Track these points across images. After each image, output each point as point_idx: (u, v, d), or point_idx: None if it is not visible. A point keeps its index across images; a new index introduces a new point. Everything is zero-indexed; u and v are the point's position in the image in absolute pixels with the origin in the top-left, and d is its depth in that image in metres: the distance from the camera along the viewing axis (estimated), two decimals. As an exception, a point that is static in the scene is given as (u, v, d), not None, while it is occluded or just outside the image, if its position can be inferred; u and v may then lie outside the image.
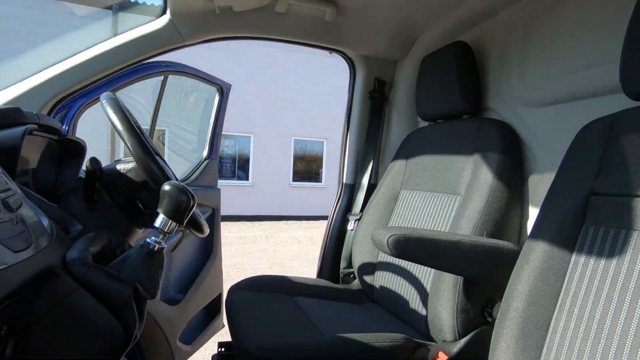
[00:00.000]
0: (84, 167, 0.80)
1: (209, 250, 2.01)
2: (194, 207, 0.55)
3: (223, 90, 2.04)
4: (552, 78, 0.92)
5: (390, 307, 1.15)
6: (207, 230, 0.86)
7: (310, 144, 9.64)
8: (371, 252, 1.27)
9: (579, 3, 0.88)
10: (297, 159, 9.48)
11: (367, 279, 1.26)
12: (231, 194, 8.63)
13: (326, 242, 1.48)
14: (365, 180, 1.42)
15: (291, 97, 9.04)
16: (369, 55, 1.43)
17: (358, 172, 1.47)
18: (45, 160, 0.80)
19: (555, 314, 0.64)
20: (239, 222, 8.34)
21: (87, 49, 1.05)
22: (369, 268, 1.26)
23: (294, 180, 9.29)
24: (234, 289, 1.13)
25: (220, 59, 8.22)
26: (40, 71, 1.05)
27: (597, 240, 0.63)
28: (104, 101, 0.66)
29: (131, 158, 0.71)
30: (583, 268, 0.64)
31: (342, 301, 1.22)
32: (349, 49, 1.40)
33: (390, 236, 0.69)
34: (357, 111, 1.49)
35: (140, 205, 0.73)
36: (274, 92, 8.91)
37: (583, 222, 0.65)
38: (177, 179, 0.98)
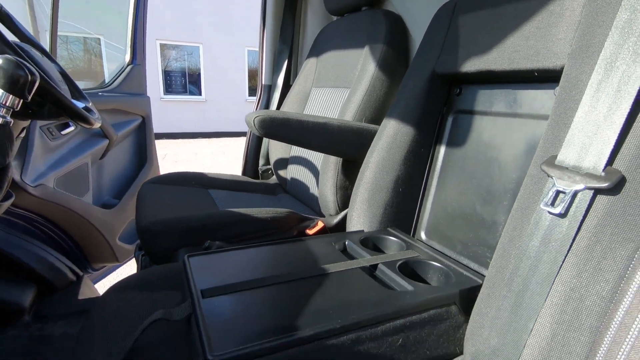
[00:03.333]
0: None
1: (143, 159, 2.03)
2: (36, 82, 0.57)
3: (139, -16, 1.85)
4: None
5: (299, 195, 1.28)
6: (94, 122, 0.87)
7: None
8: (285, 147, 1.35)
9: None
10: (254, 73, 9.02)
11: (281, 172, 1.36)
12: (184, 110, 8.28)
13: (248, 142, 1.54)
14: (281, 81, 1.44)
15: (242, 3, 8.21)
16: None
17: (274, 72, 1.47)
18: None
19: (395, 177, 0.76)
20: (195, 139, 8.18)
21: None
22: (283, 163, 1.36)
23: (250, 95, 8.96)
24: (147, 183, 1.19)
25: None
26: None
27: (431, 114, 0.72)
28: None
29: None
30: (421, 137, 0.75)
31: (257, 193, 1.32)
32: None
33: (256, 117, 0.75)
34: (271, 9, 1.43)
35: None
36: (222, -4, 8.04)
37: (424, 99, 0.74)
38: (61, 69, 0.96)
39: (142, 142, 2.03)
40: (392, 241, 0.70)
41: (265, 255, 0.60)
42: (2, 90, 0.53)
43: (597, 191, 0.39)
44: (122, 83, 1.92)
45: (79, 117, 0.80)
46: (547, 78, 0.55)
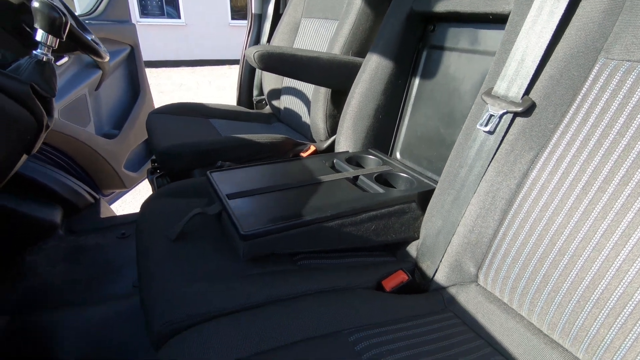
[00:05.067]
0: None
1: (136, 89, 2.07)
2: (69, 23, 0.65)
3: None
4: None
5: (291, 123, 1.41)
6: (104, 55, 0.96)
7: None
8: (277, 79, 1.44)
9: None
10: (236, -9, 8.35)
11: (275, 103, 1.47)
12: (163, 35, 7.81)
13: (241, 73, 1.61)
14: (271, 10, 1.46)
15: None
16: None
17: (264, 1, 1.49)
18: None
19: (376, 106, 0.89)
20: (178, 68, 7.87)
21: None
22: (276, 93, 1.46)
23: (233, 18, 8.41)
24: (153, 113, 1.29)
25: None
26: None
27: (408, 49, 0.83)
28: None
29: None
30: (399, 70, 0.87)
31: (253, 122, 1.44)
32: None
33: (256, 52, 0.85)
34: None
35: (28, 29, 0.80)
36: None
37: (403, 35, 0.84)
38: (63, 2, 1.00)
39: (134, 72, 2.06)
40: (372, 159, 0.86)
41: (270, 170, 0.75)
42: (43, 31, 0.62)
43: (516, 114, 0.54)
44: (107, 9, 1.88)
45: (93, 51, 0.89)
46: (500, 20, 0.66)
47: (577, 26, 0.50)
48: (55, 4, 0.62)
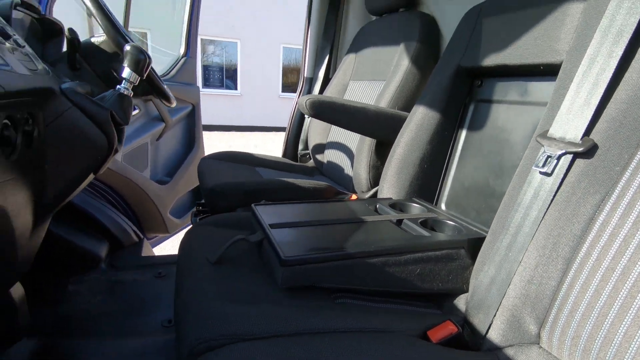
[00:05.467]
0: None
1: (191, 142, 2.25)
2: (151, 64, 0.75)
3: (195, -17, 2.06)
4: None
5: (333, 176, 1.43)
6: (173, 101, 1.07)
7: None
8: (322, 134, 1.51)
9: None
10: (289, 70, 9.25)
11: (319, 157, 1.52)
12: (220, 104, 8.64)
13: (289, 128, 1.71)
14: (321, 74, 1.59)
15: (280, 1, 8.46)
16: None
17: (316, 66, 1.63)
18: (29, 38, 0.96)
19: (421, 155, 0.90)
20: (229, 132, 8.53)
21: None
22: (320, 148, 1.52)
23: (283, 91, 9.22)
24: (205, 158, 1.38)
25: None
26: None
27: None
28: None
29: (102, 33, 0.88)
30: (446, 123, 0.89)
31: (296, 173, 1.49)
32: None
33: (308, 100, 0.91)
34: (316, 9, 1.59)
35: (115, 74, 0.92)
36: (261, -6, 8.31)
37: (450, 89, 0.87)
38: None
39: (192, 127, 2.25)
40: (416, 207, 0.84)
41: (313, 208, 0.75)
42: (129, 70, 0.71)
43: (576, 155, 0.52)
44: (177, 74, 2.14)
45: (164, 96, 1.00)
46: (550, 71, 0.67)
47: (639, 69, 0.50)
48: (143, 49, 0.73)
